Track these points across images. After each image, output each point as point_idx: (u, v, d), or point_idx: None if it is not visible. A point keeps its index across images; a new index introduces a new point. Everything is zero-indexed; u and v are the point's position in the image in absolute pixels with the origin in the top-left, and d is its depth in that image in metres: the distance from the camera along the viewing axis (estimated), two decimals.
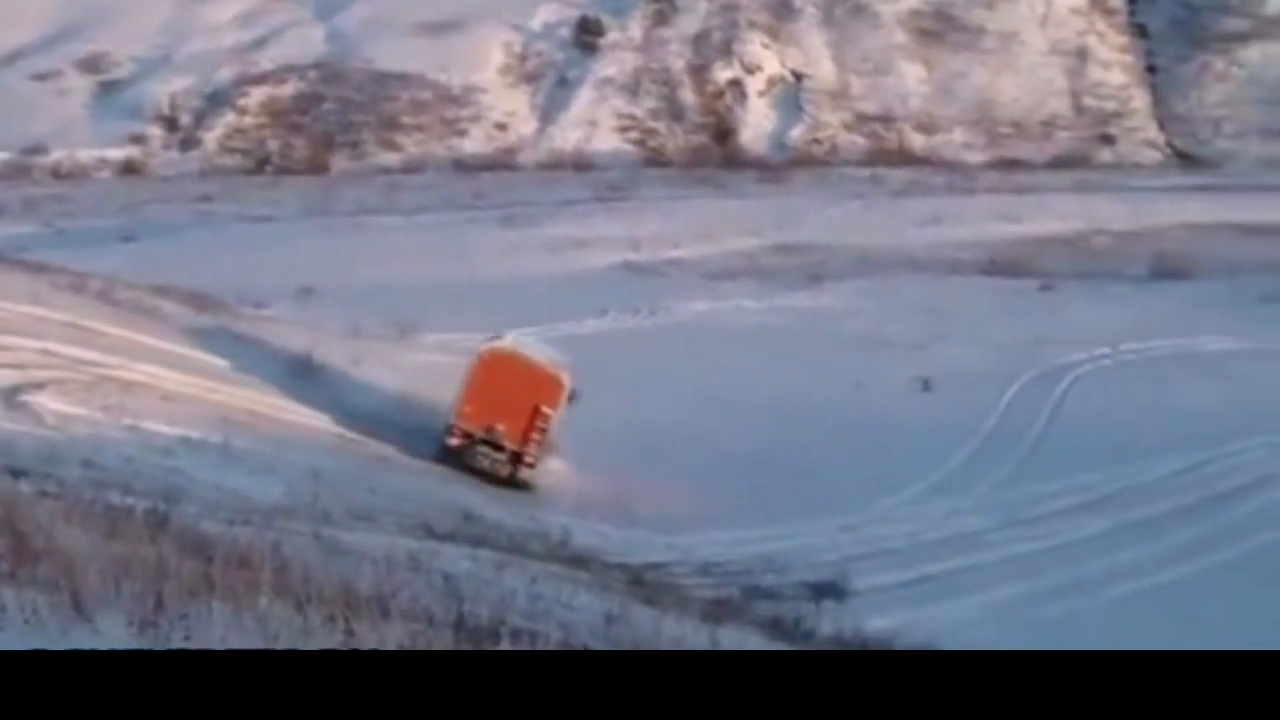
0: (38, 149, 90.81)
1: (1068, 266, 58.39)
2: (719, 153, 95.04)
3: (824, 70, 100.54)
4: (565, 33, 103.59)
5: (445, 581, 13.49)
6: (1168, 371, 40.30)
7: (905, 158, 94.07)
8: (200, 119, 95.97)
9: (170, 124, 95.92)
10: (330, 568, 11.65)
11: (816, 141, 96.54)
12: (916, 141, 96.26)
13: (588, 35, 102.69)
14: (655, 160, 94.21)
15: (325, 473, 24.63)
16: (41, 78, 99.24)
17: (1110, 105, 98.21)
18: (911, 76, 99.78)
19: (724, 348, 41.06)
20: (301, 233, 65.30)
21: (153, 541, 10.71)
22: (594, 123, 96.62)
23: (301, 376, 31.72)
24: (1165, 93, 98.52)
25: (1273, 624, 22.52)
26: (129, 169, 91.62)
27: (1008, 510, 28.08)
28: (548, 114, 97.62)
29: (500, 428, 26.89)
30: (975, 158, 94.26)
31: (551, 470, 28.84)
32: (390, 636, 7.98)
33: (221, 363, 30.94)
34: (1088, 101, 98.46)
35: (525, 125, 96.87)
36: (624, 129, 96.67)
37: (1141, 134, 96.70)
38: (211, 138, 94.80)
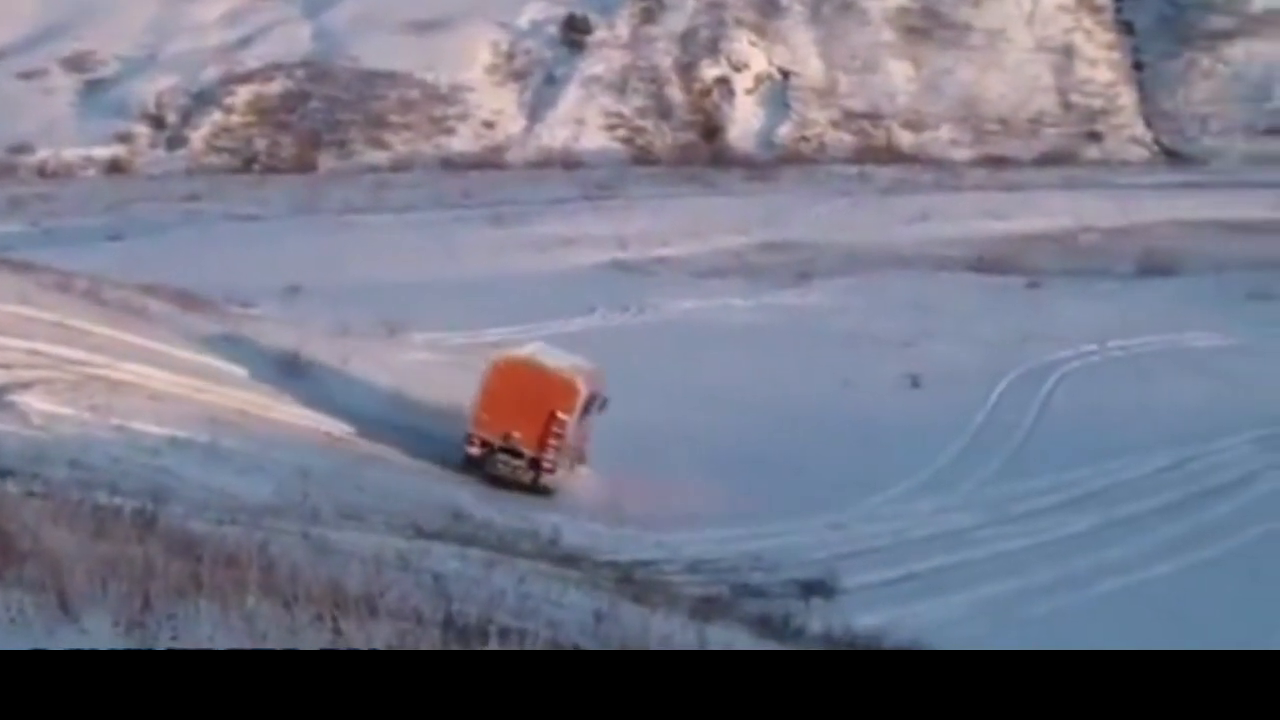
0: (23, 148, 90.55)
1: (1055, 263, 58.50)
2: (707, 151, 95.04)
3: (811, 68, 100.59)
4: (552, 31, 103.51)
5: (434, 580, 13.48)
6: (1155, 368, 40.38)
7: (893, 155, 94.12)
8: (187, 118, 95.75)
9: (157, 123, 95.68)
10: (318, 567, 11.63)
11: (804, 139, 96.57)
12: (904, 139, 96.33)
13: (575, 33, 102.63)
14: (643, 158, 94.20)
15: (313, 472, 24.61)
16: (27, 76, 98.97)
17: (1097, 102, 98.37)
18: (899, 74, 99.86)
19: (712, 346, 41.07)
20: (289, 231, 65.19)
21: (140, 541, 10.70)
22: (582, 121, 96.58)
23: (289, 375, 31.68)
24: (1152, 90, 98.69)
25: (1259, 619, 22.59)
26: (115, 168, 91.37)
27: (995, 507, 28.13)
28: (535, 112, 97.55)
29: (517, 435, 27.11)
30: (963, 155, 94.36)
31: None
32: (378, 635, 7.97)
33: (209, 362, 30.88)
34: (1075, 99, 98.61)
35: (513, 124, 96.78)
36: (612, 127, 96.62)
37: (1128, 131, 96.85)
38: (198, 136, 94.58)
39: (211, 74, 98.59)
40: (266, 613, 7.94)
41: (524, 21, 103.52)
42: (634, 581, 19.97)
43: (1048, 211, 70.52)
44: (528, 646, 9.94)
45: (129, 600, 7.45)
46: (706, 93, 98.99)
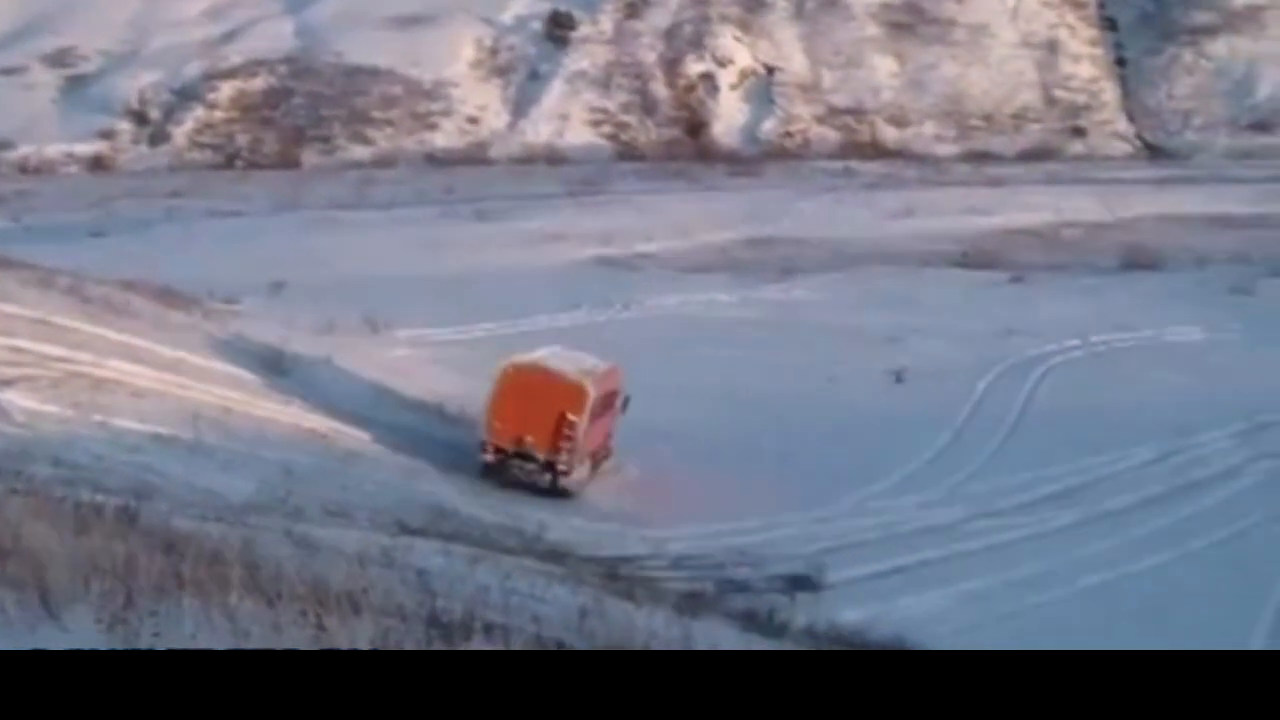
0: (5, 144, 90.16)
1: (1039, 259, 58.65)
2: (691, 146, 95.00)
3: (796, 63, 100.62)
4: (537, 26, 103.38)
5: (418, 577, 13.46)
6: (1138, 362, 40.51)
7: (877, 150, 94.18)
8: (169, 114, 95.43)
9: (139, 119, 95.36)
10: (302, 564, 11.60)
11: (788, 135, 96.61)
12: (888, 134, 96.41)
13: (559, 29, 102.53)
14: (627, 154, 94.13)
15: (297, 468, 24.58)
16: (8, 72, 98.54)
17: (1080, 98, 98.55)
18: (883, 69, 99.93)
19: (697, 341, 41.08)
20: (272, 228, 65.03)
21: (122, 539, 10.66)
22: (566, 116, 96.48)
23: (273, 372, 31.64)
24: (1135, 85, 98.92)
25: (1241, 612, 22.67)
26: (97, 164, 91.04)
27: (980, 502, 28.19)
28: (519, 108, 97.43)
29: (529, 439, 27.29)
30: (946, 150, 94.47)
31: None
32: (362, 632, 7.96)
33: (192, 359, 30.79)
34: (1058, 94, 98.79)
35: (497, 119, 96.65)
36: (596, 123, 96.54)
37: (1111, 126, 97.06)
38: (181, 132, 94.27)
39: (194, 70, 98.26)
40: (249, 610, 7.92)
41: (508, 17, 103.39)
42: (619, 577, 19.98)
43: (1031, 207, 70.68)
44: (512, 643, 9.93)
45: (111, 597, 7.43)
46: (691, 88, 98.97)
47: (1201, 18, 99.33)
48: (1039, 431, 33.40)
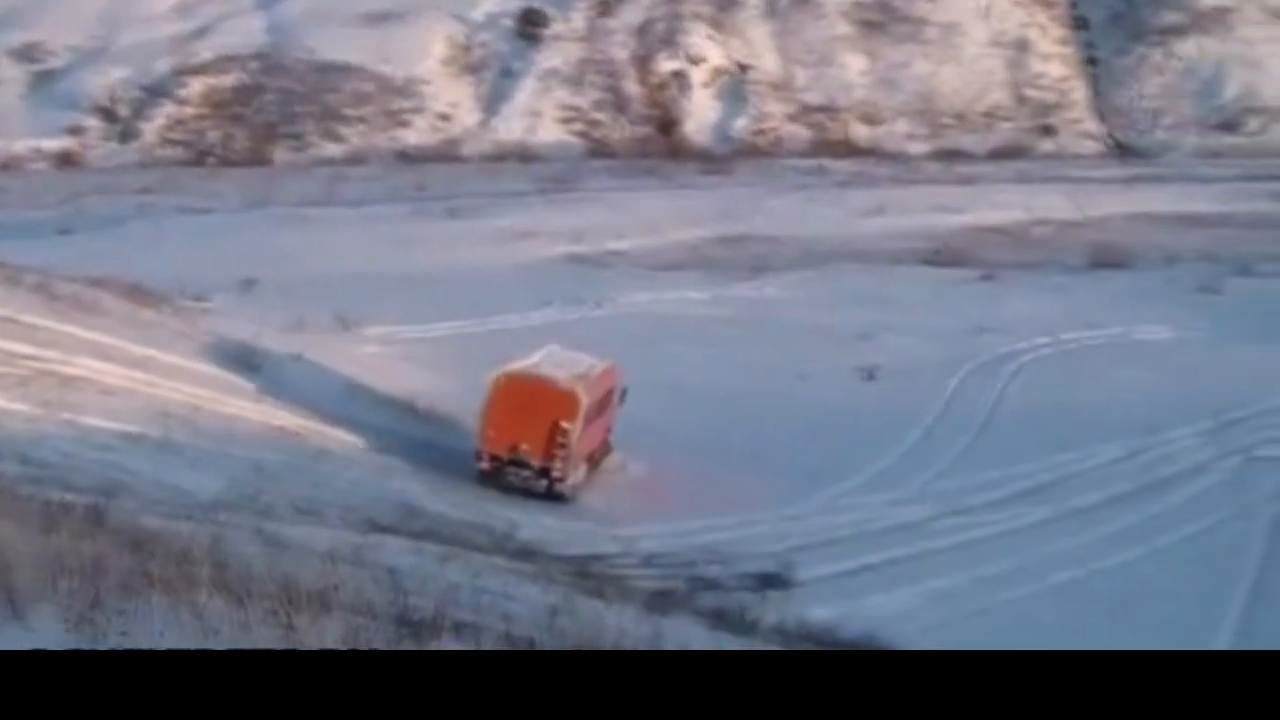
0: None
1: (1009, 257, 58.83)
2: (663, 144, 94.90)
3: (768, 61, 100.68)
4: (508, 23, 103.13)
5: (388, 575, 13.44)
6: (1107, 360, 40.71)
7: (849, 148, 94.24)
8: (139, 110, 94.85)
9: (108, 115, 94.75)
10: (271, 562, 11.57)
11: (760, 132, 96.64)
12: (860, 132, 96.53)
13: (531, 26, 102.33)
14: (599, 151, 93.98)
15: (267, 466, 24.53)
16: None
17: (1051, 97, 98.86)
18: (854, 68, 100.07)
19: (668, 339, 41.10)
20: (243, 225, 64.75)
21: (90, 537, 10.61)
22: (538, 114, 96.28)
23: (243, 369, 31.54)
24: (1105, 85, 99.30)
25: (1209, 608, 22.83)
26: (66, 160, 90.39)
27: (950, 499, 28.33)
28: (491, 105, 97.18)
29: (524, 447, 27.68)
30: (918, 148, 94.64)
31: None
32: (331, 631, 7.94)
33: (161, 356, 30.66)
34: (1029, 93, 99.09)
35: (469, 116, 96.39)
36: (568, 120, 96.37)
37: (1081, 125, 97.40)
38: (151, 129, 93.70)
39: (164, 66, 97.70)
40: (218, 608, 7.88)
41: (480, 14, 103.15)
42: (589, 575, 20.01)
43: (1002, 205, 70.86)
44: (483, 641, 9.94)
45: (78, 596, 7.39)
46: (663, 86, 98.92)
47: (1171, 18, 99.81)
48: (1009, 429, 33.56)
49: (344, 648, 7.37)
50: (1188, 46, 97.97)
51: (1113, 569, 24.81)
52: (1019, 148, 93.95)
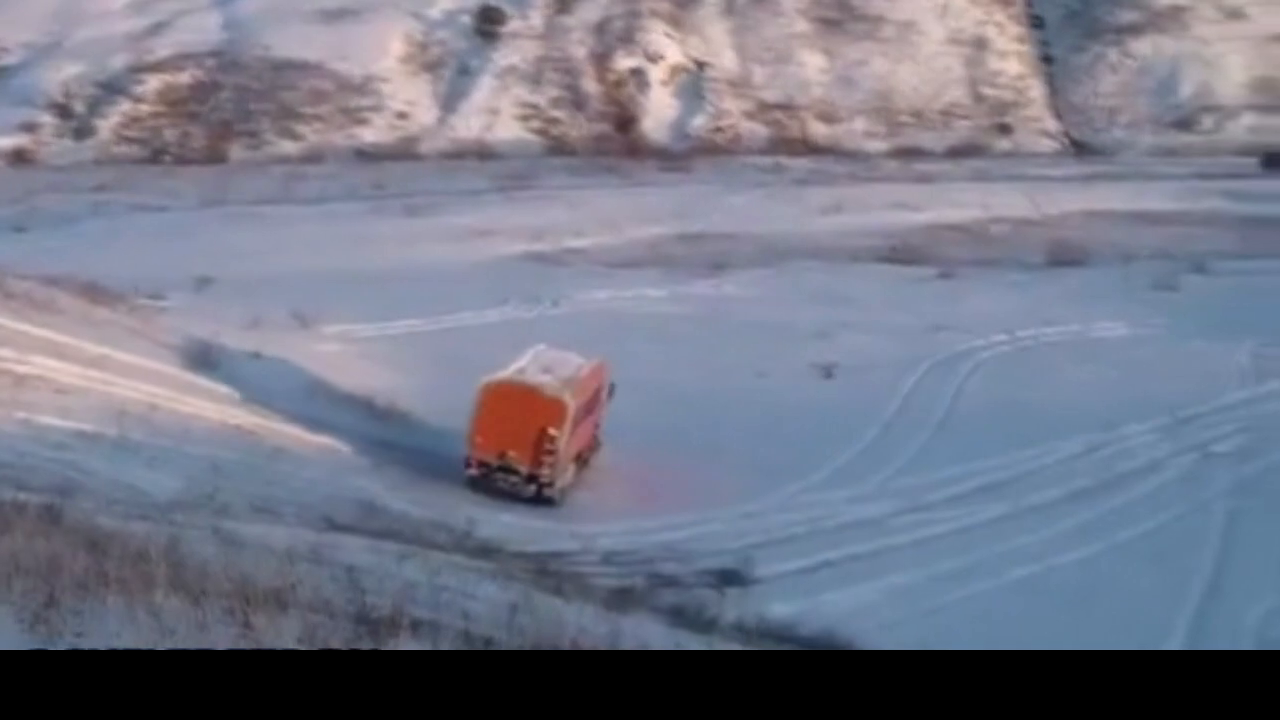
0: None
1: (966, 254, 59.08)
2: (621, 142, 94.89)
3: (726, 59, 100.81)
4: (466, 21, 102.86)
5: (346, 573, 13.38)
6: (1064, 357, 40.96)
7: (807, 146, 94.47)
8: (94, 107, 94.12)
9: (63, 112, 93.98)
10: (228, 561, 11.50)
11: (719, 130, 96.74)
12: (818, 130, 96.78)
13: (489, 24, 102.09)
14: (557, 149, 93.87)
15: (224, 465, 24.40)
16: None
17: (1008, 95, 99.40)
18: (812, 65, 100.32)
19: (626, 336, 41.03)
20: (200, 223, 64.38)
21: (46, 537, 10.53)
22: (496, 111, 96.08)
23: (200, 368, 31.37)
24: (1061, 83, 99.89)
25: (1165, 603, 23.01)
26: (20, 158, 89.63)
27: (908, 496, 28.44)
28: (449, 103, 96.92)
29: (512, 453, 27.79)
30: (876, 146, 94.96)
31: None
32: (289, 629, 7.90)
33: (118, 355, 30.45)
34: (986, 91, 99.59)
35: (426, 114, 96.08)
36: (526, 118, 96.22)
37: (1038, 124, 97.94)
38: (106, 126, 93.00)
39: (120, 63, 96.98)
40: (175, 608, 7.84)
41: (437, 12, 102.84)
42: (548, 573, 19.99)
43: (959, 203, 71.17)
44: (441, 639, 9.91)
45: (33, 596, 7.34)
46: (621, 84, 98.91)
47: (1126, 16, 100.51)
48: (967, 426, 33.72)
49: (301, 646, 7.34)
50: (1143, 45, 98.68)
51: (1070, 565, 24.97)
52: (976, 146, 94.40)
